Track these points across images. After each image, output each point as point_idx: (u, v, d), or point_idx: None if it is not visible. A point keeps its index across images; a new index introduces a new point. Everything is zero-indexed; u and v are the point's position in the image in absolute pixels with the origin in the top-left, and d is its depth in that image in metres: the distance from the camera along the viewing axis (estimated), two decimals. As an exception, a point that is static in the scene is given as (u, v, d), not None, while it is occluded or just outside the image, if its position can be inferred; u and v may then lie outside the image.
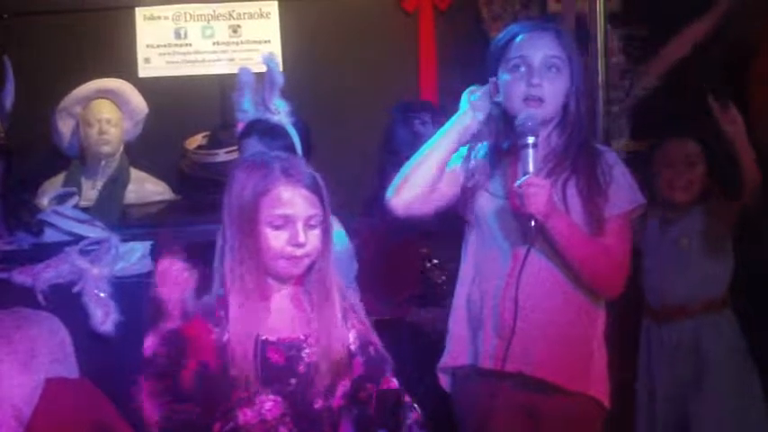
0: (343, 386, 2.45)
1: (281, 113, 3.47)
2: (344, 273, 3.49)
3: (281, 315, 2.44)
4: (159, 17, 4.99)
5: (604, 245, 2.80)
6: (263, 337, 2.38)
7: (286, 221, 2.38)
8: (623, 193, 2.85)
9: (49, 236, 3.56)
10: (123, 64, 4.85)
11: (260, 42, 5.00)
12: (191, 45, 5.02)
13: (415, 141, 3.77)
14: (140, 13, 4.97)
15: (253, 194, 2.39)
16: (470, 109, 2.88)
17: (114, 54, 4.88)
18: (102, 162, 4.46)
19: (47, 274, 3.34)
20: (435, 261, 3.71)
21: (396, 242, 3.60)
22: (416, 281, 3.65)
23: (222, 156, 4.48)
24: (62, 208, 3.73)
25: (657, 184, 3.81)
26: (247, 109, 3.51)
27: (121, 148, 4.52)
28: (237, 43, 5.02)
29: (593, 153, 2.89)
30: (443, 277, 3.70)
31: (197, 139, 4.66)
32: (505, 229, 2.83)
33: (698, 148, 3.82)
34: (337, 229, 3.52)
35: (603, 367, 2.89)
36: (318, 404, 2.41)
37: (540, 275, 2.80)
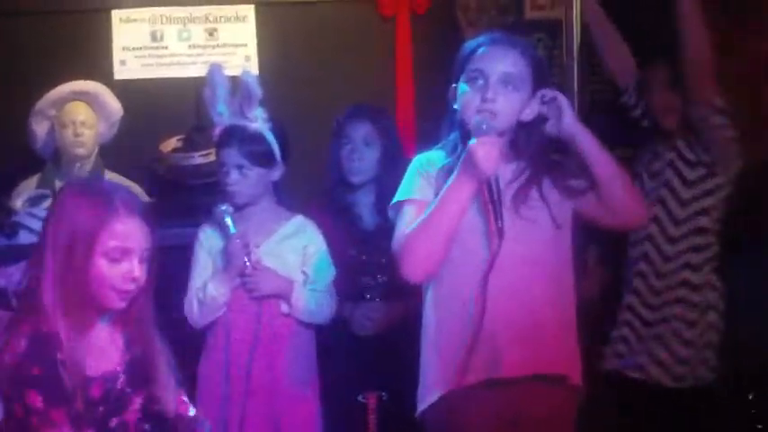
0: (137, 401, 2.46)
1: (258, 120, 3.46)
2: (321, 277, 3.51)
3: (101, 347, 2.43)
4: (135, 20, 4.99)
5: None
6: (89, 374, 2.37)
7: (123, 254, 2.35)
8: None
9: (23, 238, 3.54)
10: (99, 66, 4.84)
11: (236, 46, 5.00)
12: (167, 48, 5.01)
13: (331, 140, 3.81)
14: (116, 15, 4.96)
15: (89, 224, 2.33)
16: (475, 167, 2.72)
17: (90, 56, 4.87)
18: (77, 164, 4.44)
19: (20, 277, 3.33)
20: (361, 262, 3.72)
21: (326, 238, 3.60)
22: (345, 279, 3.65)
23: (197, 159, 4.48)
24: (36, 210, 3.71)
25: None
26: (222, 112, 3.50)
27: (96, 150, 4.50)
28: (214, 47, 5.01)
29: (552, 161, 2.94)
30: (371, 280, 3.71)
31: (172, 142, 4.65)
32: (484, 227, 2.82)
33: None
34: (314, 233, 3.52)
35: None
36: (114, 422, 2.41)
37: (533, 274, 2.81)
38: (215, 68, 3.52)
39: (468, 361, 2.80)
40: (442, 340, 2.86)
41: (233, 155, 3.41)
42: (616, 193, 2.83)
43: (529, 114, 2.86)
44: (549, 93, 2.84)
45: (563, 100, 2.83)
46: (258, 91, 3.44)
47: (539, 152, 2.89)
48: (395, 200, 2.94)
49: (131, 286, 2.37)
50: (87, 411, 2.35)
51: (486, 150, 2.70)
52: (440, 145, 2.97)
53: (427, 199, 2.85)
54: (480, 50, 2.86)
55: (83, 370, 2.34)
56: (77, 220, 2.33)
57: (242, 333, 3.40)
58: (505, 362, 2.77)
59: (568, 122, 2.82)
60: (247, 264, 3.37)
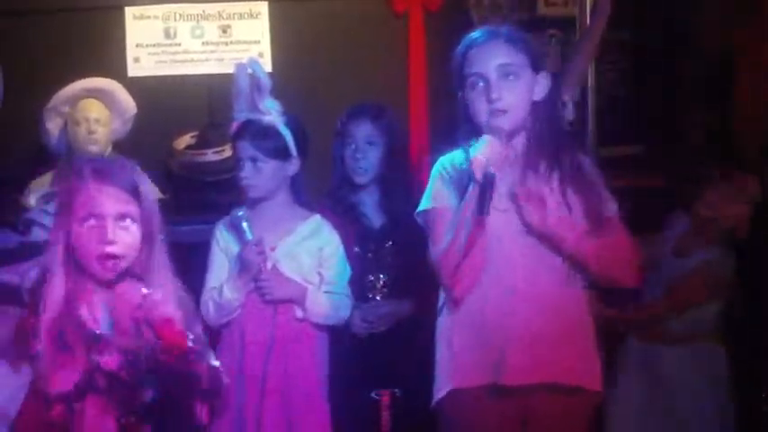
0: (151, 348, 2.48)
1: (272, 114, 3.47)
2: (337, 279, 3.49)
3: (114, 306, 2.48)
4: (149, 17, 4.99)
5: (612, 240, 2.84)
6: (100, 332, 2.42)
7: (95, 219, 2.42)
8: (609, 194, 2.92)
9: (36, 235, 3.55)
10: (112, 63, 4.85)
11: (250, 43, 5.00)
12: (180, 45, 5.01)
13: (335, 140, 3.80)
14: (130, 12, 4.96)
15: (66, 197, 2.46)
16: (478, 172, 2.74)
17: (103, 53, 4.88)
18: (90, 161, 4.45)
19: (33, 273, 3.34)
20: (366, 260, 3.72)
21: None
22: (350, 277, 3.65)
23: (210, 155, 4.48)
24: (50, 207, 3.72)
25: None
26: (242, 108, 3.51)
27: (110, 148, 4.50)
28: (227, 43, 5.01)
29: (575, 158, 2.92)
30: (373, 278, 3.70)
31: (185, 139, 4.65)
32: (508, 237, 2.82)
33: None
34: (330, 235, 3.52)
35: (599, 358, 2.94)
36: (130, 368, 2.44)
37: (550, 281, 2.82)
38: (239, 66, 3.52)
39: (476, 362, 2.82)
40: (454, 337, 2.87)
41: (246, 147, 3.41)
42: (594, 275, 2.86)
43: (540, 92, 2.87)
44: (522, 191, 2.77)
45: (533, 196, 2.78)
46: (266, 79, 3.44)
47: (556, 131, 2.90)
48: (420, 208, 2.95)
49: (107, 249, 2.42)
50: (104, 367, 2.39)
51: (485, 156, 2.72)
52: (462, 147, 2.96)
53: (450, 205, 2.86)
54: (470, 53, 2.87)
55: (83, 328, 2.42)
56: (61, 195, 2.50)
57: (257, 335, 3.39)
58: (510, 369, 2.77)
59: (538, 224, 2.78)
60: (262, 269, 3.37)
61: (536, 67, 2.88)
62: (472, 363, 2.82)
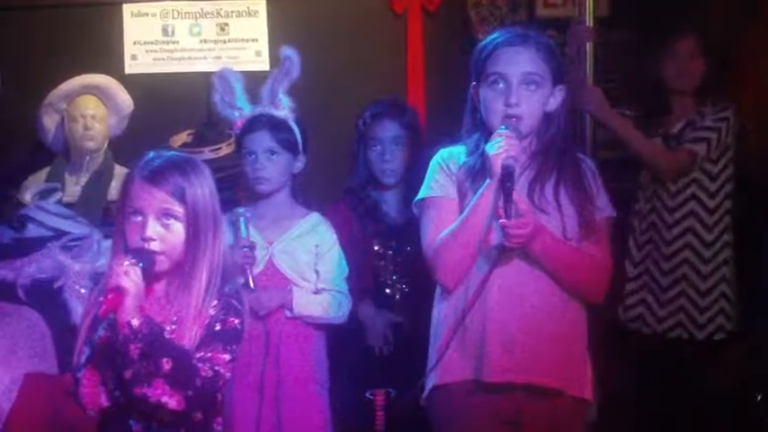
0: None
1: (285, 109, 3.48)
2: (332, 276, 3.48)
3: (150, 303, 2.50)
4: (147, 14, 4.98)
5: (590, 253, 2.83)
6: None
7: (135, 214, 2.47)
8: (606, 199, 2.92)
9: (32, 231, 3.56)
10: (110, 60, 4.84)
11: (247, 41, 4.99)
12: (178, 42, 5.01)
13: (358, 140, 3.81)
14: (128, 9, 4.95)
15: (122, 191, 2.53)
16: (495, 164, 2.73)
17: (101, 50, 4.86)
18: (87, 158, 4.45)
19: (28, 269, 3.34)
20: (386, 258, 3.72)
21: (352, 234, 3.60)
22: (367, 275, 3.65)
23: (207, 154, 4.47)
24: (45, 203, 3.73)
25: None
26: (242, 106, 3.51)
27: (106, 144, 4.51)
28: (225, 41, 5.01)
29: (576, 160, 2.91)
30: (394, 276, 3.70)
31: (182, 137, 4.64)
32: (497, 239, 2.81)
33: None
34: (326, 232, 3.51)
35: (589, 365, 2.92)
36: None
37: (535, 281, 2.81)
38: (226, 70, 3.54)
39: (460, 357, 2.82)
40: (441, 332, 2.87)
41: (265, 139, 3.42)
42: (577, 283, 2.84)
43: (552, 104, 2.88)
44: (510, 226, 2.69)
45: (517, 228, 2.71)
46: (297, 71, 3.46)
47: (552, 140, 2.89)
48: (418, 197, 2.95)
49: (144, 245, 2.44)
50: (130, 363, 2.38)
51: (503, 150, 2.71)
52: (462, 141, 2.96)
53: (449, 196, 2.87)
54: (498, 51, 2.85)
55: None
56: (120, 192, 2.56)
57: (251, 331, 3.38)
58: (490, 366, 2.77)
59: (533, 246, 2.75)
60: (251, 285, 3.34)
61: (556, 80, 2.88)
62: (456, 358, 2.83)
